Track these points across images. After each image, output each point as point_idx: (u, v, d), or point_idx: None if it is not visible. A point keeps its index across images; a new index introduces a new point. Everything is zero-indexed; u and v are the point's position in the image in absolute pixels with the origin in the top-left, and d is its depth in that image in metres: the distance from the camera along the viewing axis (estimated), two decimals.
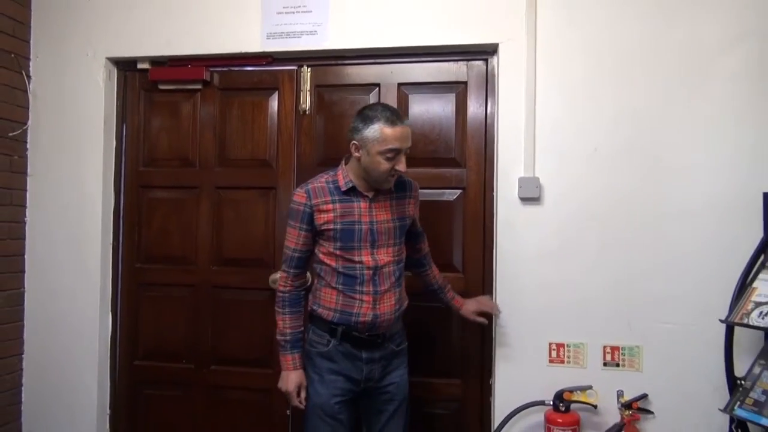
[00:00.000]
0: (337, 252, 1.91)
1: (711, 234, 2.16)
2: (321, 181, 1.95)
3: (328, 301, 1.94)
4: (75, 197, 2.64)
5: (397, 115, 1.89)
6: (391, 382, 2.02)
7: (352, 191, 1.93)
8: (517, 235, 2.32)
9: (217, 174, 2.64)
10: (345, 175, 1.93)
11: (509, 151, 2.33)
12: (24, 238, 2.65)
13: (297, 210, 1.92)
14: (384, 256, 1.94)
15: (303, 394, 1.98)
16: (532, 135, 2.30)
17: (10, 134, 2.55)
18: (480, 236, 2.44)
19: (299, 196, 1.93)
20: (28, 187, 2.66)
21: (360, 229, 1.91)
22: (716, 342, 2.02)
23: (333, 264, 1.92)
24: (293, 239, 1.95)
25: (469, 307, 2.19)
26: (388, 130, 1.84)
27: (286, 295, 1.99)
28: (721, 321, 1.92)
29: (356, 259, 1.90)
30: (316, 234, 1.93)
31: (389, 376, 2.02)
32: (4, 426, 2.56)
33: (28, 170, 2.65)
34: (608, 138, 2.25)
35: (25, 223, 2.66)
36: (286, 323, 1.99)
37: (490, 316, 2.28)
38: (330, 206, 1.90)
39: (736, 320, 1.86)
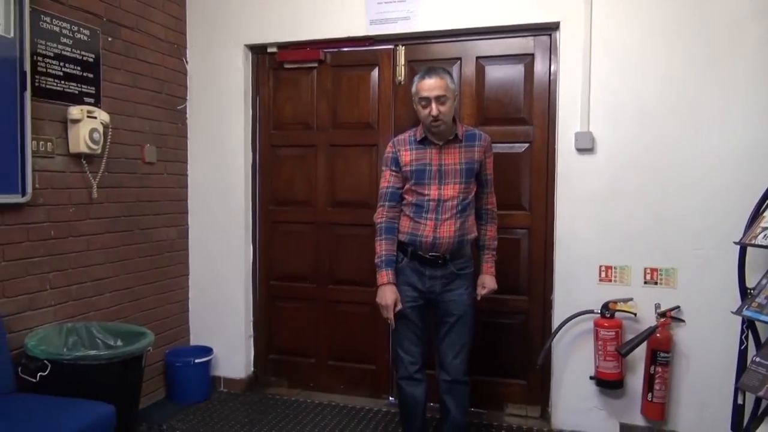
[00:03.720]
0: (412, 187, 2.39)
1: (733, 177, 2.59)
2: (405, 135, 2.48)
3: (404, 226, 2.42)
4: (223, 155, 3.38)
5: (431, 71, 2.32)
6: (449, 300, 2.40)
7: (425, 141, 2.41)
8: (573, 180, 2.83)
9: (330, 134, 3.31)
10: (421, 130, 2.43)
11: (568, 110, 2.83)
12: (187, 187, 3.44)
13: (387, 157, 2.48)
14: (449, 191, 2.36)
15: (399, 307, 2.36)
16: (587, 96, 2.77)
17: (178, 107, 3.33)
18: (543, 181, 2.97)
19: (389, 146, 2.48)
20: (188, 148, 3.43)
21: (430, 170, 2.38)
22: (736, 263, 2.44)
23: (409, 198, 2.41)
24: (386, 179, 2.46)
25: (482, 279, 2.54)
26: (420, 83, 2.33)
27: (383, 224, 2.44)
28: (735, 243, 2.40)
29: (425, 192, 2.37)
30: (401, 175, 2.42)
31: (448, 294, 2.40)
32: (177, 327, 3.41)
33: (188, 134, 3.42)
34: (651, 99, 2.70)
35: (187, 175, 3.44)
36: (382, 247, 2.42)
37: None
38: (408, 153, 2.41)
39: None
